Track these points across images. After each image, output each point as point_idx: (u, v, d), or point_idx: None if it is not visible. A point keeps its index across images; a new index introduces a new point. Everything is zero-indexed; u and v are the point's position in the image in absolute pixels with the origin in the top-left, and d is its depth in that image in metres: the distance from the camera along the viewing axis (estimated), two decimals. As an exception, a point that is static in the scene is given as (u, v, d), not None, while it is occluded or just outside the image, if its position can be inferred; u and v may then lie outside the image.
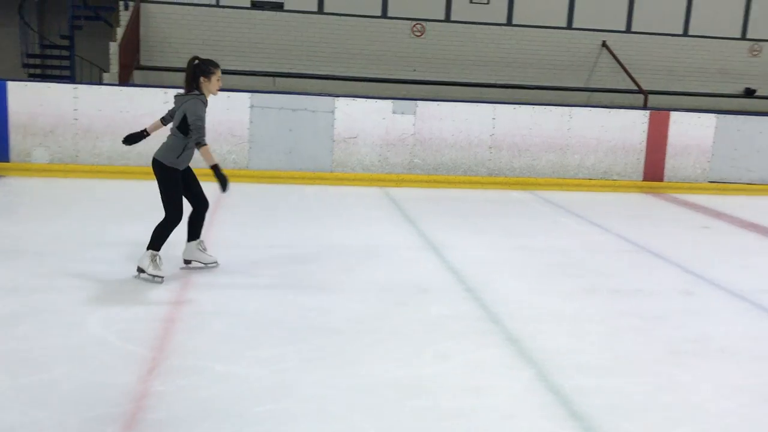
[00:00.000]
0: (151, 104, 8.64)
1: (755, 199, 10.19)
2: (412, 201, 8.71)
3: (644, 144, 10.22)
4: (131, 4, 12.36)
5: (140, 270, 4.94)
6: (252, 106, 9.22)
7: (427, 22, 13.46)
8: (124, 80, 11.27)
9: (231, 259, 5.61)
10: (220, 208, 7.65)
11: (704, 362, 4.10)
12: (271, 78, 12.65)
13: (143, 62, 12.48)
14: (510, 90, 13.35)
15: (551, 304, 5.01)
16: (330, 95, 9.67)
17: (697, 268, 6.14)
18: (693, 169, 10.41)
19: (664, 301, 5.23)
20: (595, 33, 14.05)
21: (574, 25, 14.09)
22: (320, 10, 13.29)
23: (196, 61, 4.97)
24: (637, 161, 10.26)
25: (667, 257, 6.48)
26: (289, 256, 5.87)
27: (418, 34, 13.43)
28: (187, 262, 5.28)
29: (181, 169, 5.02)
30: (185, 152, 4.98)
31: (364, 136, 9.56)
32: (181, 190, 5.01)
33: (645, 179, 10.31)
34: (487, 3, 13.92)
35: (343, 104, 9.45)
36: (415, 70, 13.38)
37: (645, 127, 10.20)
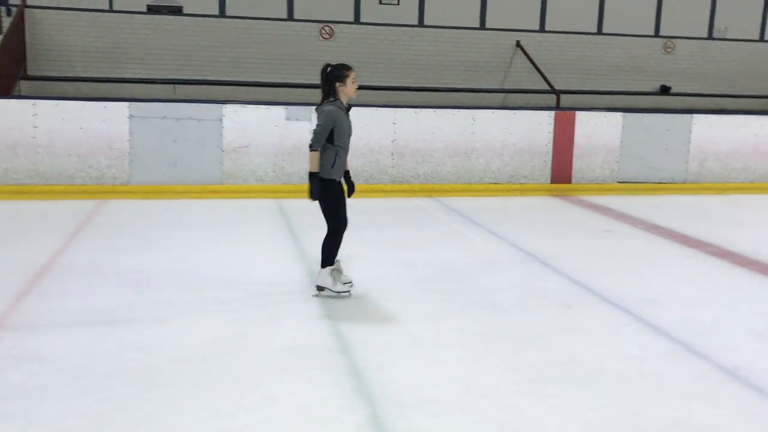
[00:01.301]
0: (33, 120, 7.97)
1: (664, 198, 10.01)
2: (307, 213, 8.14)
3: (551, 146, 9.94)
4: (14, 9, 11.55)
5: (320, 288, 4.99)
6: (131, 116, 8.58)
7: (336, 24, 13.00)
8: (6, 92, 10.49)
9: (69, 288, 5.02)
10: (89, 227, 7.03)
11: (565, 391, 3.70)
12: (171, 86, 12.01)
13: (31, 72, 11.69)
14: (425, 93, 13.00)
15: (414, 327, 4.58)
16: (217, 102, 9.10)
17: (584, 278, 5.81)
18: (601, 170, 10.18)
19: (539, 318, 4.85)
20: (509, 33, 13.81)
21: (488, 26, 13.83)
22: (222, 14, 12.71)
23: (329, 68, 4.91)
24: (544, 164, 9.98)
25: (557, 267, 6.14)
26: (134, 282, 5.30)
27: (327, 36, 12.96)
28: (319, 288, 5.08)
29: (337, 179, 4.94)
30: (337, 161, 4.91)
31: (257, 145, 9.02)
32: (342, 199, 4.97)
33: (553, 182, 10.03)
34: (398, 4, 13.55)
35: (231, 111, 8.89)
36: (325, 75, 12.89)
37: (551, 128, 9.92)
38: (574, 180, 10.10)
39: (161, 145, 8.68)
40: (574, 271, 5.98)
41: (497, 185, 9.87)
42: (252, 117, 8.97)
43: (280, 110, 9.06)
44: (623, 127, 10.13)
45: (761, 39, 15.07)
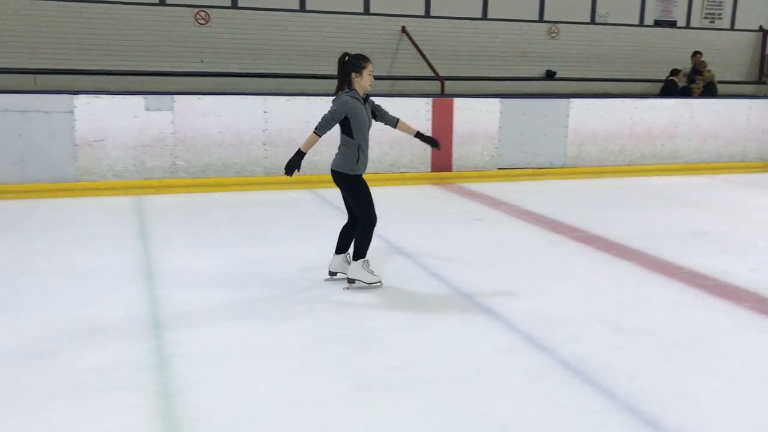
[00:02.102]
0: None
1: (542, 184, 10.00)
2: (168, 210, 7.69)
3: (430, 133, 9.72)
4: None
5: (351, 281, 4.96)
6: (-33, 110, 7.79)
7: (212, 9, 12.36)
8: None
9: None
10: None
11: (388, 398, 3.43)
12: (31, 76, 11.10)
13: None
14: (313, 81, 12.58)
15: (246, 337, 4.20)
16: (67, 92, 8.39)
17: (442, 270, 5.59)
18: (481, 157, 10.07)
19: (384, 317, 4.57)
20: (394, 18, 13.53)
21: (372, 11, 13.50)
22: (87, -2, 11.85)
23: (347, 58, 4.85)
24: (423, 152, 9.77)
25: (419, 259, 5.90)
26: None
27: (203, 22, 12.31)
28: (332, 273, 5.19)
29: (362, 173, 4.97)
30: (361, 156, 4.95)
31: (114, 138, 8.38)
32: (370, 192, 4.98)
33: (433, 170, 9.85)
34: (278, -12, 13.04)
35: (84, 102, 8.22)
36: (202, 62, 12.28)
37: (429, 115, 9.72)
38: (454, 168, 9.95)
39: (4, 142, 7.92)
40: (435, 264, 5.76)
41: (377, 175, 9.57)
42: (107, 108, 8.32)
43: (138, 100, 8.45)
44: (501, 113, 10.04)
45: (641, 24, 15.39)
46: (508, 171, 10.21)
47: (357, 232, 4.97)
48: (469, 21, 14.05)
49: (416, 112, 9.66)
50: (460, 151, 9.94)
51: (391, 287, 5.16)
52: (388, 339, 4.18)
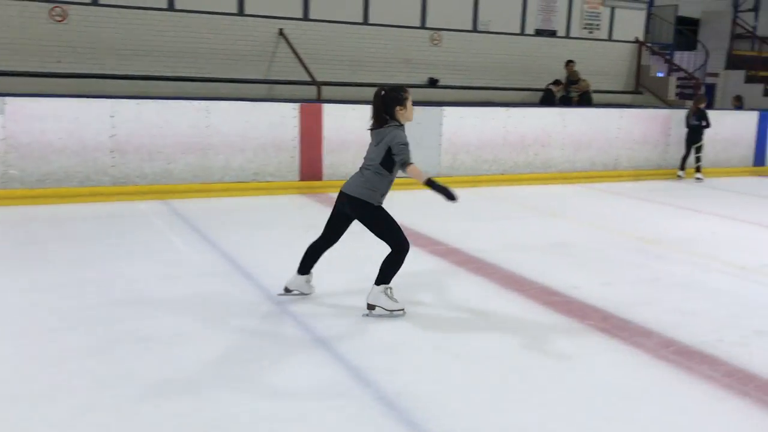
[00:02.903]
0: None
1: (414, 193, 9.68)
2: (-7, 225, 6.88)
3: (297, 140, 9.28)
4: None
5: (371, 307, 4.71)
6: None
7: (70, 5, 11.46)
8: None
9: None
10: None
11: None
12: None
13: None
14: (191, 83, 11.91)
15: (21, 376, 3.59)
16: None
17: (277, 290, 5.12)
18: (353, 166, 9.59)
19: (199, 350, 4.06)
20: (271, 20, 13.01)
21: (247, 12, 12.92)
22: None
23: (384, 92, 4.66)
24: (291, 159, 9.29)
25: (259, 279, 5.41)
26: None
27: (59, 18, 11.38)
28: (288, 290, 4.99)
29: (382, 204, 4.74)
30: (388, 188, 4.77)
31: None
32: (393, 218, 4.74)
33: (302, 179, 9.38)
34: (143, -15, 12.26)
35: None
36: (59, 62, 11.35)
37: (297, 121, 9.25)
38: (325, 176, 9.52)
39: None
40: (273, 284, 5.28)
41: (240, 184, 9.04)
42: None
43: (-39, 102, 7.57)
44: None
45: (522, 33, 15.52)
46: (381, 180, 9.86)
47: (388, 257, 4.69)
48: (349, 25, 13.71)
49: (282, 118, 9.18)
50: (330, 159, 9.52)
51: (222, 307, 4.66)
52: (206, 390, 3.68)
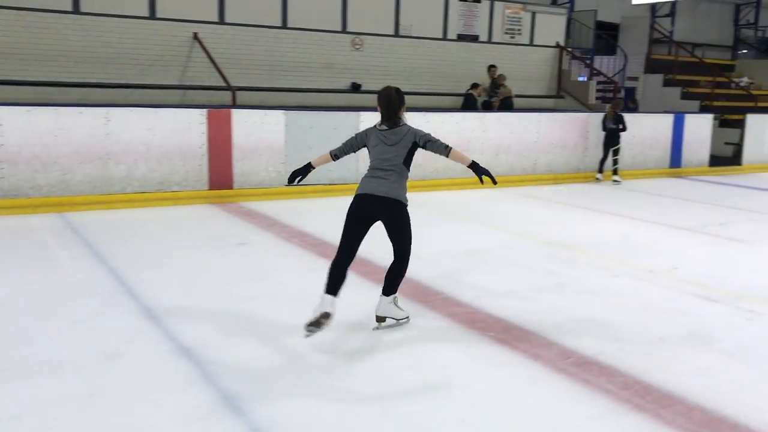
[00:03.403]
0: None
1: (332, 201, 9.44)
2: None
3: (206, 148, 8.88)
4: None
5: (381, 319, 4.62)
6: None
7: (-36, 8, 10.78)
8: None
9: None
10: None
11: None
12: None
13: None
14: (99, 89, 11.35)
15: None
16: None
17: (156, 307, 4.76)
18: (266, 173, 9.35)
19: (55, 383, 3.68)
20: (185, 24, 12.54)
21: (159, 15, 12.42)
22: None
23: (396, 91, 4.68)
24: (199, 168, 8.89)
25: (142, 299, 5.04)
26: None
27: (-51, 21, 10.68)
28: (380, 319, 4.66)
29: None
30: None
31: None
32: None
33: (212, 188, 8.99)
34: (45, -13, 11.63)
35: None
36: (-47, 67, 10.64)
37: (204, 128, 8.86)
38: (236, 185, 9.15)
39: None
40: (154, 304, 4.91)
41: (144, 195, 8.58)
42: None
43: None
44: (287, 126, 9.39)
45: (444, 38, 15.45)
46: (297, 188, 9.53)
47: (393, 267, 4.66)
48: (267, 29, 13.34)
49: (189, 124, 8.77)
50: (241, 166, 9.16)
51: (94, 332, 4.27)
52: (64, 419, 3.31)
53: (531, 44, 16.65)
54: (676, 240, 7.72)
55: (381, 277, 5.73)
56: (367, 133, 4.71)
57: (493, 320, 4.81)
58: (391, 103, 4.62)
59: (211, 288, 5.37)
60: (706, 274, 6.19)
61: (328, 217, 8.36)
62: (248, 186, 9.22)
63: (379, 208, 4.58)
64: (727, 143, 15.12)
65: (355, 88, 14.29)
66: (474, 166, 4.67)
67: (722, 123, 16.60)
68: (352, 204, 4.63)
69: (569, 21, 17.90)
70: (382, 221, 4.61)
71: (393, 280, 4.66)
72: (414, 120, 10.61)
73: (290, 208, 8.70)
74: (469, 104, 13.40)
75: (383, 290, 4.66)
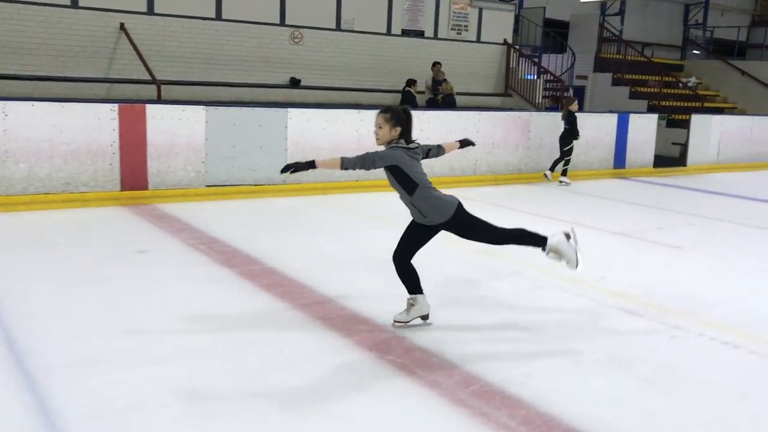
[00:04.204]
0: None
1: (257, 203, 8.93)
2: None
3: (117, 145, 8.27)
4: None
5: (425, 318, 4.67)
6: None
7: None
8: None
9: None
10: None
11: None
12: None
13: None
14: (16, 81, 10.64)
15: None
16: None
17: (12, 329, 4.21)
18: (185, 173, 8.77)
19: None
20: (111, 14, 11.89)
21: (82, 4, 11.72)
22: None
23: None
24: (110, 167, 8.27)
25: (3, 318, 4.47)
26: None
27: None
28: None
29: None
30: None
31: None
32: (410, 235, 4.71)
33: (124, 189, 8.38)
34: (-48, -30, 10.87)
35: None
36: None
37: (116, 124, 8.24)
38: (151, 186, 8.55)
39: None
40: (12, 323, 4.35)
41: (47, 196, 7.93)
42: None
43: None
44: (207, 122, 8.81)
45: (388, 33, 15.02)
46: (219, 189, 9.01)
47: (517, 239, 4.66)
48: (200, 21, 12.76)
49: (98, 120, 8.14)
50: (157, 166, 8.56)
51: None
52: None
53: (478, 41, 16.33)
54: (610, 246, 7.38)
55: (285, 290, 5.24)
56: (392, 155, 4.42)
57: (396, 341, 4.36)
58: (410, 122, 4.56)
59: (84, 306, 4.81)
60: (636, 284, 5.85)
61: (245, 221, 7.89)
62: (165, 187, 8.64)
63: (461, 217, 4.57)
64: (674, 143, 14.99)
65: (295, 83, 13.77)
66: (463, 144, 5.12)
67: (670, 123, 16.51)
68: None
69: (517, 18, 17.63)
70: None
71: (530, 240, 4.62)
72: (348, 117, 10.19)
73: (207, 211, 8.14)
74: (407, 102, 12.97)
75: (539, 246, 4.62)
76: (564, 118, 11.44)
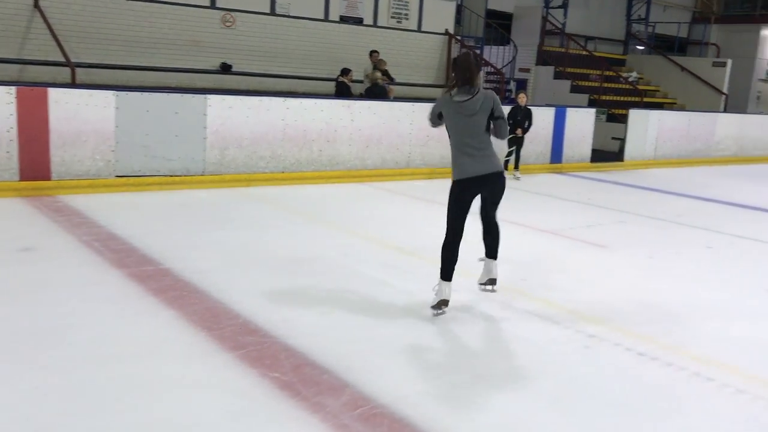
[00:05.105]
0: None
1: (172, 195, 8.41)
2: None
3: (15, 132, 7.64)
4: None
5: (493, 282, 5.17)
6: None
7: None
8: None
9: None
10: None
11: None
12: None
13: None
14: None
15: None
16: None
17: None
18: (93, 162, 8.18)
19: None
20: (24, -10, 11.12)
21: (-10, -22, 10.94)
22: None
23: (472, 56, 4.74)
24: (8, 156, 7.63)
25: None
26: None
27: None
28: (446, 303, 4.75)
29: (464, 179, 4.70)
30: (458, 159, 4.73)
31: None
32: (459, 206, 4.75)
33: (24, 179, 7.75)
34: None
35: None
36: None
37: (13, 108, 7.60)
38: (54, 176, 7.94)
39: None
40: None
41: (-65, 186, 7.28)
42: None
43: None
44: (117, 108, 8.22)
45: (326, 19, 14.51)
46: (131, 179, 8.44)
47: (494, 233, 5.06)
48: (123, 1, 12.04)
49: (-7, 104, 7.50)
50: (61, 154, 7.95)
51: None
52: None
53: (419, 30, 15.94)
54: (535, 244, 7.11)
55: (177, 294, 4.78)
56: (441, 102, 4.69)
57: (286, 354, 3.96)
58: (467, 70, 4.56)
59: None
60: (556, 287, 5.57)
61: (153, 215, 7.37)
62: (70, 177, 8.04)
63: (486, 183, 4.72)
64: (614, 138, 14.92)
65: (226, 68, 13.17)
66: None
67: (610, 118, 16.46)
68: (461, 190, 4.67)
69: (459, 8, 17.31)
70: (482, 194, 4.83)
71: (495, 244, 5.07)
72: (273, 105, 9.71)
73: (115, 204, 7.59)
74: (342, 92, 12.54)
75: (489, 255, 5.09)
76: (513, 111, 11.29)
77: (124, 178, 8.39)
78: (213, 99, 8.95)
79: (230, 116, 9.09)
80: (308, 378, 3.68)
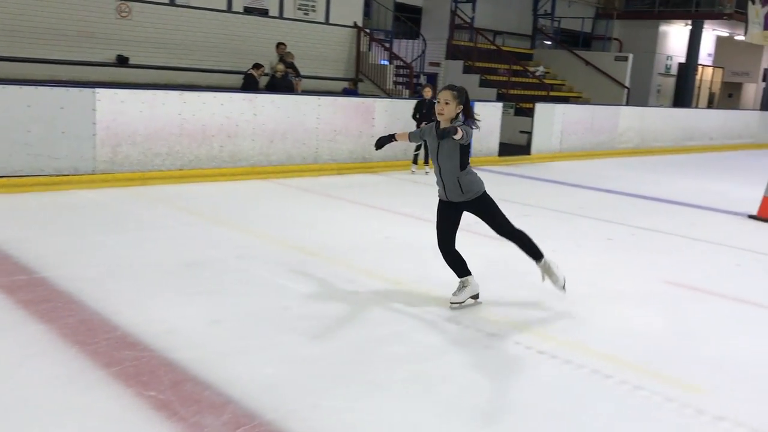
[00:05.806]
0: None
1: (59, 196, 7.85)
2: None
3: None
4: None
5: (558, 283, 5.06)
6: None
7: None
8: None
9: None
10: None
11: None
12: None
13: None
14: None
15: None
16: None
17: None
18: (-31, 162, 7.53)
19: None
20: None
21: None
22: None
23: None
24: None
25: None
26: None
27: None
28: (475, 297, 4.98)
29: (442, 199, 5.07)
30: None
31: None
32: (441, 220, 5.09)
33: None
34: None
35: None
36: None
37: None
38: None
39: None
40: None
41: None
42: None
43: None
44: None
45: (229, 10, 14.03)
46: (11, 180, 7.82)
47: (519, 244, 4.93)
48: (7, -11, 11.23)
49: None
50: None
51: None
52: None
53: (327, 23, 15.66)
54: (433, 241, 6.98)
55: (50, 306, 4.34)
56: (470, 132, 4.59)
57: (166, 369, 3.65)
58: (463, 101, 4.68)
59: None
60: (452, 286, 5.44)
61: (34, 218, 6.85)
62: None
63: (478, 203, 4.87)
64: (522, 131, 15.11)
65: (122, 61, 12.52)
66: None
67: (518, 112, 16.68)
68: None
69: (368, 1, 17.12)
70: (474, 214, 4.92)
71: (530, 248, 4.91)
72: (169, 99, 9.23)
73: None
74: (249, 86, 12.12)
75: (533, 258, 4.94)
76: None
77: (3, 179, 7.77)
78: (103, 93, 8.42)
79: (122, 111, 8.58)
80: (188, 395, 3.38)
